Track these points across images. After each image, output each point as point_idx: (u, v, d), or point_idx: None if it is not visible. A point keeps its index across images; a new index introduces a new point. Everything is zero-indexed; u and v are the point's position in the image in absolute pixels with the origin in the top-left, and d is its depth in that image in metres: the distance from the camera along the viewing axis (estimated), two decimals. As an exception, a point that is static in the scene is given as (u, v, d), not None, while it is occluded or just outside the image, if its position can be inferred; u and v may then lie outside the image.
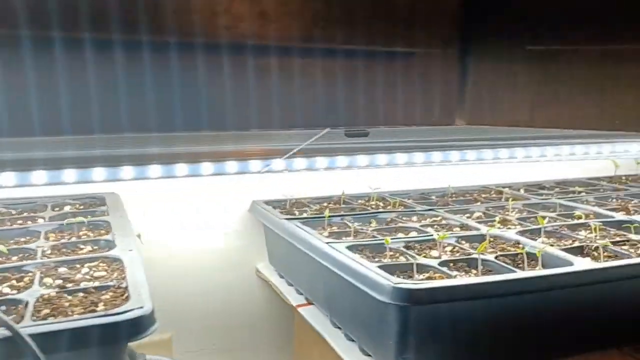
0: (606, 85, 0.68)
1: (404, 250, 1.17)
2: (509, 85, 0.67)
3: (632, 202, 1.66)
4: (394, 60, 0.64)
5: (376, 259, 1.14)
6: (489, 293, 0.92)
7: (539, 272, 1.01)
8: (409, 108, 0.66)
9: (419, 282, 0.92)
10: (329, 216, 1.40)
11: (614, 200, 1.70)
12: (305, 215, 1.46)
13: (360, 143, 0.94)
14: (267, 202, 1.58)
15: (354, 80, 0.63)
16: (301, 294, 1.38)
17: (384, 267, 1.04)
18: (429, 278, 1.03)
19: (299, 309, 1.33)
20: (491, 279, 0.95)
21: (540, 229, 1.34)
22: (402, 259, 1.13)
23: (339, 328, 1.18)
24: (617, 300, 1.10)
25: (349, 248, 1.15)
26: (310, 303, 1.34)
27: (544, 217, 1.32)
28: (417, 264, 1.07)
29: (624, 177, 2.03)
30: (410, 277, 1.04)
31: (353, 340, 1.12)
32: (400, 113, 0.65)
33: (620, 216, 1.46)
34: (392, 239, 1.24)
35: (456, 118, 0.70)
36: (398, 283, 0.91)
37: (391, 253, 1.17)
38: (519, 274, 0.99)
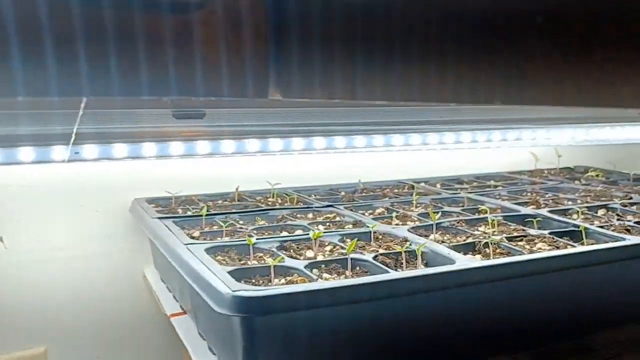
0: (449, 50, 0.56)
1: (275, 250, 1.05)
2: (326, 48, 0.56)
3: (546, 195, 1.58)
4: (177, 11, 0.51)
5: (241, 262, 1.01)
6: (344, 298, 0.80)
7: (398, 274, 0.89)
8: (201, 76, 0.53)
9: (262, 289, 0.80)
10: (207, 214, 1.26)
11: (528, 194, 1.62)
12: (189, 213, 1.32)
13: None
14: (151, 200, 1.43)
15: (122, 37, 0.49)
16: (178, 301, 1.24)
17: (239, 272, 0.91)
18: (290, 282, 0.91)
19: (172, 319, 1.19)
20: (339, 283, 0.83)
21: (438, 224, 1.24)
22: (270, 261, 1.01)
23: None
24: (508, 301, 1.00)
25: (210, 250, 1.01)
26: (185, 312, 1.20)
27: (436, 213, 1.21)
28: (281, 267, 0.95)
29: (545, 171, 1.96)
30: (270, 282, 0.92)
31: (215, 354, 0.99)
32: (194, 82, 0.53)
33: (526, 210, 1.38)
34: (269, 237, 1.12)
35: (271, 90, 0.58)
36: (237, 290, 0.78)
37: (260, 255, 1.04)
38: (366, 278, 0.86)
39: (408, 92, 0.59)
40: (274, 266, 0.93)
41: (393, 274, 0.88)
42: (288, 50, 0.58)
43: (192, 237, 1.12)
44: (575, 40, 0.56)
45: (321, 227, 1.24)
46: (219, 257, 1.00)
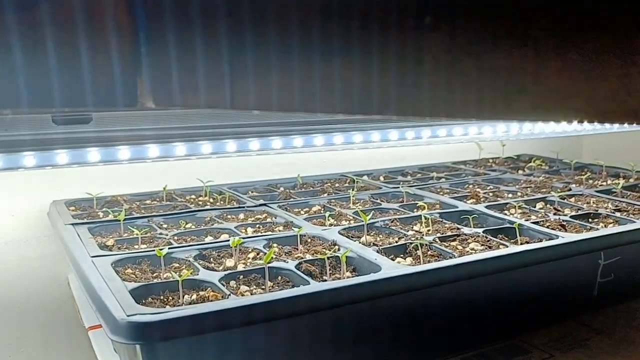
0: (332, 55, 0.50)
1: (191, 261, 0.98)
2: (204, 54, 0.49)
3: (487, 188, 1.56)
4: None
5: (154, 275, 0.94)
6: (234, 321, 0.74)
7: (293, 291, 0.83)
8: (64, 84, 0.46)
9: (159, 313, 0.73)
10: (127, 218, 1.18)
11: (470, 186, 1.59)
12: (110, 217, 1.23)
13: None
14: (70, 202, 1.33)
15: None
16: (97, 312, 1.16)
17: (145, 289, 0.84)
18: (203, 298, 0.84)
19: (90, 332, 1.11)
20: (242, 301, 0.76)
21: (371, 224, 1.19)
22: (183, 274, 0.94)
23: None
24: (436, 306, 0.96)
25: (119, 262, 0.94)
26: (103, 324, 1.12)
27: (367, 213, 1.16)
28: (194, 281, 0.88)
29: (490, 160, 1.94)
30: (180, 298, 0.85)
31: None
32: (49, 90, 0.46)
33: (464, 205, 1.34)
34: (187, 245, 1.05)
35: (140, 98, 0.51)
36: (132, 315, 0.71)
37: (176, 265, 0.97)
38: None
39: (299, 101, 0.53)
40: (186, 280, 0.87)
41: (286, 292, 0.82)
42: (157, 49, 0.51)
43: (105, 246, 1.04)
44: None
45: (250, 230, 1.18)
46: (128, 271, 0.93)
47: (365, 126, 0.97)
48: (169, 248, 0.96)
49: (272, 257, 0.94)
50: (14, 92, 0.48)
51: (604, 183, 1.61)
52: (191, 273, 0.89)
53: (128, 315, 0.70)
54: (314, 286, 0.84)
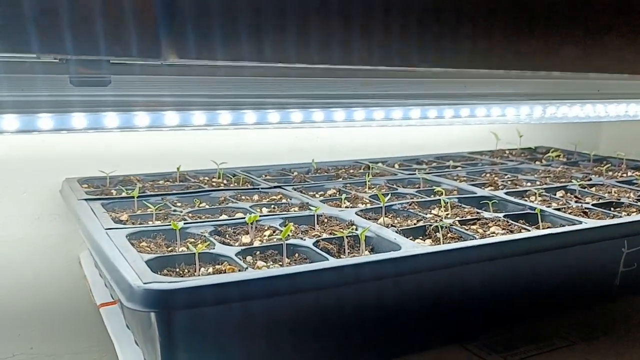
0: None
1: (207, 236, 0.96)
2: (226, 6, 0.47)
3: (505, 177, 1.53)
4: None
5: (169, 249, 0.92)
6: (258, 291, 0.72)
7: (318, 264, 0.81)
8: (70, 31, 0.44)
9: (176, 281, 0.71)
10: (141, 196, 1.16)
11: (487, 174, 1.57)
12: (124, 195, 1.22)
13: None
14: (84, 180, 1.32)
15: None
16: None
17: (161, 260, 0.83)
18: (218, 271, 0.82)
19: (101, 309, 1.10)
20: (262, 273, 0.74)
21: (388, 207, 1.16)
22: (199, 248, 0.92)
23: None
24: (456, 288, 0.94)
25: (133, 235, 0.92)
26: (115, 301, 1.10)
27: (386, 195, 1.14)
28: (210, 254, 0.86)
29: (507, 151, 1.91)
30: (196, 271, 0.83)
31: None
32: (62, 37, 0.44)
33: (482, 192, 1.32)
34: (203, 221, 1.03)
35: (164, 51, 0.49)
36: (148, 283, 0.69)
37: (192, 240, 0.95)
38: (290, 269, 0.78)
39: (328, 56, 0.51)
40: (202, 253, 0.85)
41: (306, 266, 0.80)
42: (181, 4, 0.49)
43: (119, 221, 1.02)
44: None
45: (265, 210, 1.16)
46: (143, 244, 0.91)
47: (386, 102, 0.95)
48: (184, 223, 0.94)
49: (288, 235, 0.92)
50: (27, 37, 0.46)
51: (624, 175, 1.58)
52: (207, 246, 0.87)
53: (145, 283, 0.69)
54: (337, 261, 0.82)
